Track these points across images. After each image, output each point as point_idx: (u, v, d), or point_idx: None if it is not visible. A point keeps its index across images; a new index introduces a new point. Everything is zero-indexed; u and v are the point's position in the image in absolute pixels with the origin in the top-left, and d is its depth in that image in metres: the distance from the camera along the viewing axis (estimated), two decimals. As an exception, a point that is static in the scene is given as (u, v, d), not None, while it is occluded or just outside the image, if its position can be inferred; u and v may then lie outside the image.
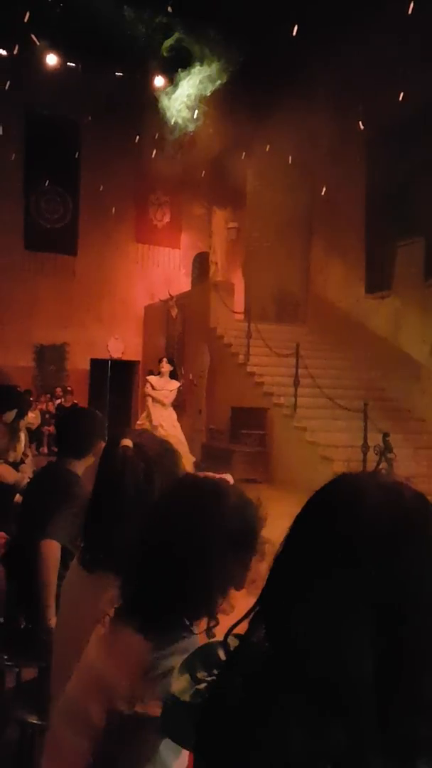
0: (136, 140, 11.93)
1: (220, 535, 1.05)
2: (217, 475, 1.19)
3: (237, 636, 0.72)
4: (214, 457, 9.58)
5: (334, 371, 10.44)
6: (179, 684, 0.75)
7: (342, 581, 0.61)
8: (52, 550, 2.17)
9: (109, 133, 12.44)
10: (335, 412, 9.08)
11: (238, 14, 9.01)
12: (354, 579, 0.61)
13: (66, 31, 9.89)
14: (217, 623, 1.07)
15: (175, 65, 10.41)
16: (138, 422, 8.32)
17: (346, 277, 11.76)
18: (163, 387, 8.03)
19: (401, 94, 9.25)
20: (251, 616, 0.70)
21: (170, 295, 13.50)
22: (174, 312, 13.13)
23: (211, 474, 1.20)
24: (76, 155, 13.67)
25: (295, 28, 8.71)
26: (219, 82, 10.16)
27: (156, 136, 11.66)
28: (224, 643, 0.73)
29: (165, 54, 9.41)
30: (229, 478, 1.20)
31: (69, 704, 1.07)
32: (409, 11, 8.07)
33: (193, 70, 10.23)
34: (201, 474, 1.19)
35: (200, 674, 0.73)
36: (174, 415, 8.06)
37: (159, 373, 8.29)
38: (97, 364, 14.22)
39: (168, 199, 14.99)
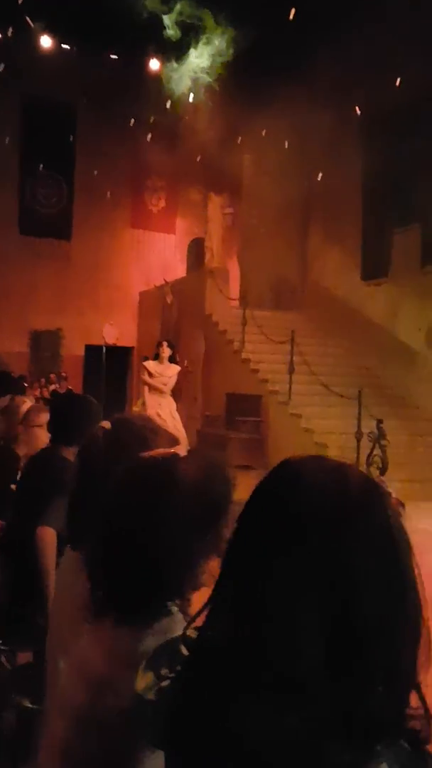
0: (131, 124, 11.80)
1: (178, 511, 1.02)
2: (166, 451, 1.17)
3: (196, 629, 0.71)
4: (210, 443, 9.60)
5: (329, 358, 10.45)
6: (143, 682, 0.74)
7: (290, 566, 0.60)
8: (48, 536, 2.18)
9: (104, 117, 12.31)
10: (330, 399, 9.10)
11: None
12: (302, 563, 0.60)
13: (61, 13, 9.74)
14: (189, 602, 1.05)
15: (174, 45, 10.28)
16: (134, 409, 8.04)
17: (343, 264, 11.74)
18: (161, 373, 7.39)
19: (398, 81, 9.17)
20: (206, 607, 0.69)
21: (165, 281, 13.44)
22: (169, 298, 13.08)
23: (160, 451, 1.19)
24: (71, 139, 13.53)
25: (292, 12, 8.59)
26: (219, 61, 10.02)
27: (152, 120, 11.55)
28: (185, 637, 0.72)
29: (171, 29, 9.23)
30: (181, 450, 1.18)
31: (61, 697, 1.06)
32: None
33: (194, 50, 10.09)
34: (148, 453, 1.17)
35: (163, 671, 0.72)
36: (173, 404, 7.45)
37: (157, 357, 7.62)
38: (92, 350, 14.19)
39: (164, 184, 14.88)
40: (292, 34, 9.17)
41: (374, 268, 10.92)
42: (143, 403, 7.53)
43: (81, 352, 14.44)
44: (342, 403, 8.78)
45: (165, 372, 7.35)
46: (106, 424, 1.50)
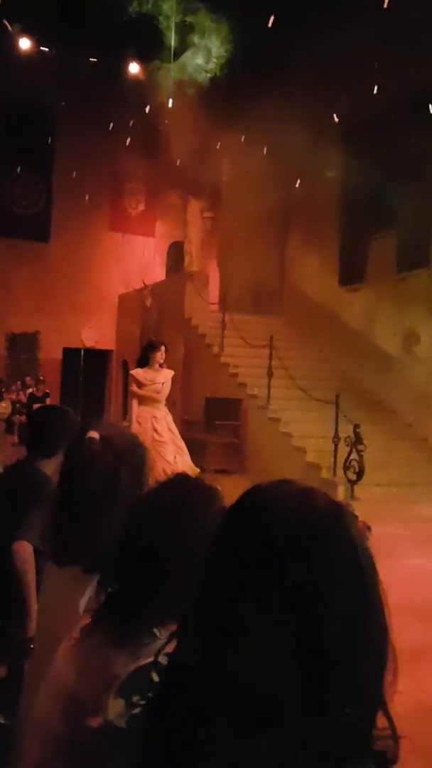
0: (110, 127, 11.78)
1: (201, 538, 1.01)
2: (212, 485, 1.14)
3: (167, 655, 0.70)
4: (189, 447, 9.60)
5: (307, 363, 10.54)
6: (114, 709, 0.72)
7: (258, 591, 0.61)
8: (25, 551, 2.17)
9: (83, 120, 12.26)
10: (308, 404, 9.18)
11: (217, 5, 8.95)
12: (269, 588, 0.60)
13: (39, 16, 9.69)
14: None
15: (154, 50, 10.29)
16: (124, 425, 6.38)
17: (321, 269, 11.86)
18: (153, 380, 6.20)
19: (375, 89, 9.31)
20: (176, 634, 0.68)
21: (145, 284, 13.42)
22: (148, 301, 13.06)
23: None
24: (50, 141, 13.45)
25: (271, 20, 8.68)
26: (200, 66, 10.06)
27: (131, 124, 11.54)
28: (157, 664, 0.70)
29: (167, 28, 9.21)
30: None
31: (38, 719, 1.03)
32: (385, 4, 8.10)
33: (174, 55, 10.11)
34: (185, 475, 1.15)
35: (135, 698, 0.71)
36: (169, 415, 6.27)
37: (145, 363, 6.31)
38: (70, 353, 14.09)
39: (143, 188, 14.87)
40: (272, 41, 9.25)
41: (352, 274, 11.06)
42: (129, 420, 6.27)
43: (59, 355, 14.33)
44: (320, 407, 8.87)
45: (156, 378, 6.22)
46: (95, 435, 1.46)
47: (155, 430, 5.93)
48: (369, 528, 0.70)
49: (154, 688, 0.68)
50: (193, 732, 0.60)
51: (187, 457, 6.07)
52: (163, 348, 6.37)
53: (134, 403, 6.17)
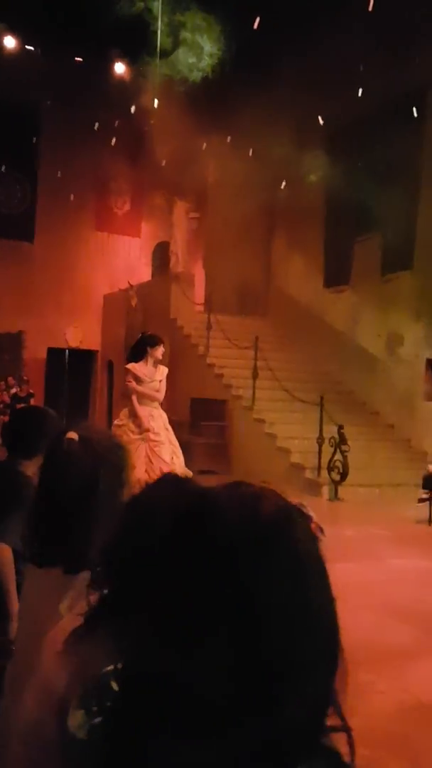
0: (96, 127, 11.74)
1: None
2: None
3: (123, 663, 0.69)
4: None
5: (292, 364, 10.60)
6: (75, 720, 0.71)
7: (201, 599, 0.60)
8: (4, 554, 2.16)
9: (69, 120, 12.22)
10: (293, 405, 9.24)
11: (203, 7, 8.98)
12: (213, 596, 0.60)
13: (25, 14, 9.64)
14: None
15: (140, 50, 10.28)
16: (116, 424, 5.92)
17: (306, 271, 11.93)
18: (151, 376, 5.79)
19: (360, 93, 9.39)
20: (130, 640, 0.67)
21: (130, 284, 13.39)
22: (134, 302, 13.03)
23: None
24: (35, 141, 13.37)
25: (257, 22, 8.71)
26: (186, 68, 10.07)
27: (117, 124, 11.51)
28: (117, 671, 0.69)
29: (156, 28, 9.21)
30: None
31: (28, 723, 1.02)
32: (370, 8, 8.17)
33: (161, 55, 10.11)
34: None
35: (94, 708, 0.69)
36: (165, 416, 5.91)
37: (140, 358, 5.85)
38: (55, 353, 14.02)
39: (128, 188, 14.83)
40: (258, 44, 9.30)
41: (336, 276, 11.14)
42: (132, 416, 5.77)
43: (43, 355, 14.25)
44: (304, 408, 8.93)
45: (154, 375, 5.81)
46: (73, 435, 1.46)
47: (151, 430, 5.66)
48: (322, 530, 0.70)
49: (113, 697, 0.67)
50: (142, 745, 0.59)
51: (182, 458, 5.82)
52: (161, 345, 5.92)
53: (134, 399, 5.73)
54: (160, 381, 5.79)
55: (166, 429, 5.76)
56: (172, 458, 5.61)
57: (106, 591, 1.01)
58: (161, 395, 5.82)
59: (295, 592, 0.61)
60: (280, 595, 0.60)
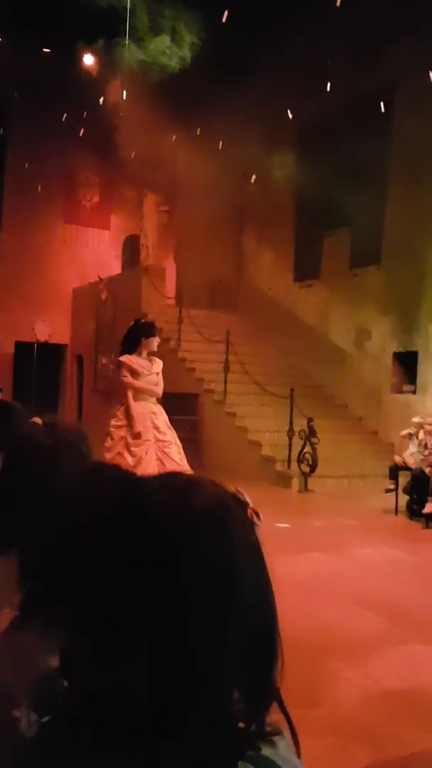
0: (64, 119, 11.58)
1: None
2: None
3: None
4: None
5: (263, 358, 10.67)
6: (25, 718, 0.71)
7: (128, 591, 0.60)
8: None
9: (37, 111, 12.01)
10: (263, 398, 9.31)
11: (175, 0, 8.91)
12: (140, 588, 0.59)
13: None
14: None
15: (110, 41, 10.15)
16: (114, 424, 5.19)
17: (276, 265, 11.99)
18: (149, 369, 5.22)
19: (328, 89, 9.45)
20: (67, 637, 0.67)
21: (100, 277, 13.27)
22: (104, 295, 12.93)
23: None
24: (2, 132, 13.12)
25: (225, 15, 8.68)
26: (156, 59, 9.99)
27: (85, 115, 11.37)
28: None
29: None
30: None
31: None
32: (337, 3, 8.21)
33: (130, 47, 10.00)
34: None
35: (45, 706, 0.68)
36: (165, 415, 5.34)
37: (135, 349, 5.23)
38: (23, 347, 13.83)
39: (98, 180, 14.67)
40: (228, 38, 9.27)
41: (306, 271, 11.23)
42: (128, 417, 5.14)
43: (10, 349, 14.04)
44: (275, 401, 9.01)
45: (152, 368, 5.24)
46: (38, 420, 1.44)
47: (156, 428, 5.13)
48: (258, 515, 0.70)
49: (63, 694, 0.67)
50: (81, 741, 0.59)
51: (184, 458, 5.33)
52: (158, 335, 5.35)
53: (130, 396, 5.16)
54: (158, 374, 5.26)
55: (169, 428, 5.28)
56: (180, 458, 5.19)
57: (35, 581, 0.96)
58: (160, 389, 5.29)
59: (228, 580, 0.61)
60: (212, 584, 0.60)
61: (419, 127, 8.36)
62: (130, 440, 5.04)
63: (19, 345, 13.95)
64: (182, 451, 5.30)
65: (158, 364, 5.29)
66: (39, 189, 13.29)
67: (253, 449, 8.88)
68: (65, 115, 11.54)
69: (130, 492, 0.68)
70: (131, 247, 14.48)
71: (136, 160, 11.44)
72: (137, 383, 5.17)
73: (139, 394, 5.19)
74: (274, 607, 0.65)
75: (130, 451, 5.08)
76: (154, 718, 0.58)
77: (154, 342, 5.29)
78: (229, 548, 0.62)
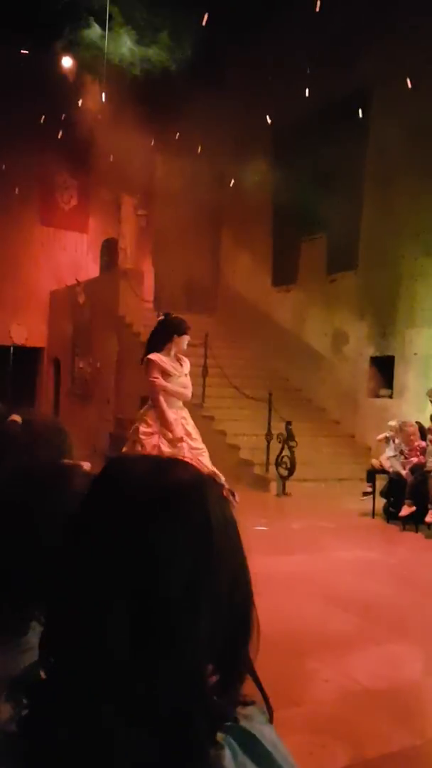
0: (42, 120, 11.51)
1: (58, 521, 0.95)
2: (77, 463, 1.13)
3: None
4: (123, 447, 9.54)
5: (240, 361, 10.69)
6: (3, 715, 0.70)
7: (108, 561, 0.61)
8: None
9: (13, 112, 11.90)
10: (241, 402, 9.33)
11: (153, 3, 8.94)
12: (109, 560, 0.60)
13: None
14: None
15: (88, 44, 10.13)
16: (144, 431, 4.74)
17: (254, 269, 12.05)
18: (179, 371, 4.81)
19: (306, 93, 9.54)
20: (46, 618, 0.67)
21: (77, 280, 13.18)
22: (81, 298, 12.84)
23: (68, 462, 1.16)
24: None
25: (206, 18, 8.73)
26: (134, 62, 10.00)
27: (63, 117, 11.31)
28: (42, 661, 0.69)
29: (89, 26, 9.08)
30: (86, 465, 1.16)
31: None
32: (317, 8, 8.31)
33: (108, 49, 9.99)
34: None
35: (24, 700, 0.68)
36: (190, 418, 4.96)
37: (163, 348, 4.78)
38: (-1, 351, 13.67)
39: (75, 183, 14.59)
40: (206, 44, 9.32)
41: (284, 275, 11.30)
42: (164, 421, 4.71)
43: (-14, 352, 13.87)
44: (252, 405, 9.03)
45: (181, 369, 4.83)
46: (17, 418, 1.45)
47: (189, 434, 4.79)
48: (234, 494, 0.72)
49: (41, 686, 0.67)
50: (68, 726, 0.59)
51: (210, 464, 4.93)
52: (185, 335, 4.81)
53: (162, 399, 4.67)
54: (186, 375, 4.83)
55: (197, 432, 4.97)
56: (212, 465, 4.69)
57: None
58: (190, 392, 4.88)
59: (205, 547, 0.62)
60: (189, 550, 0.61)
61: (395, 132, 8.49)
62: (164, 449, 4.58)
63: (-6, 348, 13.79)
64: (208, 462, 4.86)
65: (187, 365, 4.89)
66: (16, 191, 13.17)
67: (231, 453, 8.89)
68: (42, 117, 11.47)
69: (111, 464, 0.69)
70: (109, 251, 14.42)
71: (114, 164, 11.42)
72: (169, 386, 4.72)
73: (168, 397, 4.72)
74: (250, 581, 0.66)
75: None
76: (131, 679, 0.58)
77: (185, 340, 4.82)
78: (206, 517, 0.63)
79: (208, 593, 0.61)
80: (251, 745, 0.62)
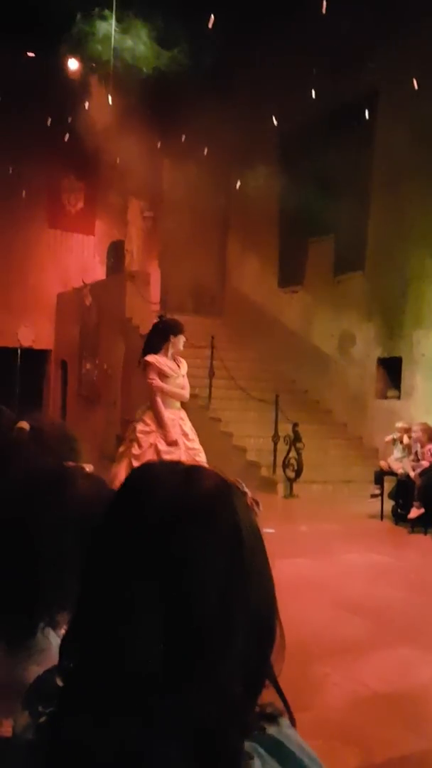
0: (48, 123, 11.56)
1: (62, 525, 0.96)
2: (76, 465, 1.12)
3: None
4: (120, 447, 9.54)
5: (247, 363, 10.68)
6: (21, 722, 0.70)
7: (135, 572, 0.60)
8: None
9: (21, 116, 11.96)
10: (248, 404, 9.31)
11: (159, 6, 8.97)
12: (145, 568, 0.60)
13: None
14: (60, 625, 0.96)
15: (94, 47, 10.17)
16: (142, 430, 4.74)
17: (261, 271, 12.03)
18: (176, 371, 4.82)
19: (313, 95, 9.53)
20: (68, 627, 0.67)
21: (84, 283, 13.22)
22: (88, 301, 12.87)
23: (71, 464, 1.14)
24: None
25: (211, 20, 8.73)
26: (141, 65, 10.03)
27: (69, 120, 11.35)
28: (60, 667, 0.68)
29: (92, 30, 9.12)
30: (88, 467, 1.15)
31: None
32: (323, 10, 8.30)
33: (115, 52, 10.02)
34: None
35: (40, 708, 0.68)
36: (187, 419, 4.99)
37: (160, 348, 4.81)
38: (6, 353, 13.71)
39: (82, 185, 14.64)
40: (213, 44, 9.33)
41: (290, 276, 11.28)
42: (158, 422, 4.72)
43: (-6, 354, 13.92)
44: (259, 407, 9.02)
45: (179, 370, 4.84)
46: (24, 425, 1.43)
47: (185, 435, 4.80)
48: (258, 503, 0.72)
49: (58, 693, 0.66)
50: (87, 732, 0.58)
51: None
52: (181, 335, 4.85)
53: (159, 400, 4.71)
54: (184, 376, 4.84)
55: (195, 434, 4.97)
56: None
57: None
58: (188, 393, 4.90)
59: (233, 561, 0.62)
60: (219, 563, 0.61)
61: (401, 135, 8.46)
62: (161, 448, 4.65)
63: (2, 350, 13.84)
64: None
65: (184, 366, 4.90)
66: (23, 194, 13.23)
67: (237, 455, 8.87)
68: (49, 120, 11.52)
69: (136, 474, 0.69)
70: (116, 253, 14.45)
71: (121, 166, 11.45)
72: (167, 387, 4.75)
73: (165, 398, 4.76)
74: (274, 587, 0.66)
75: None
76: (162, 695, 0.58)
77: (182, 340, 4.87)
78: (236, 527, 0.63)
79: (239, 605, 0.61)
80: (279, 751, 0.62)
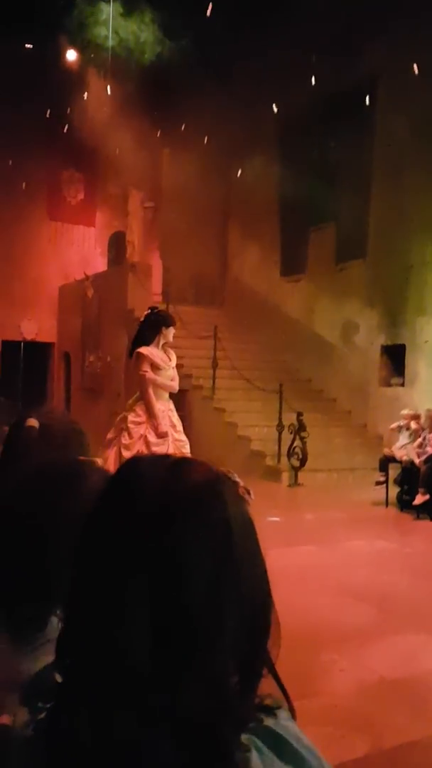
0: (48, 115, 11.50)
1: (74, 518, 0.94)
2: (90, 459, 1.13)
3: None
4: (108, 433, 9.56)
5: (250, 353, 10.67)
6: (20, 718, 0.70)
7: (125, 564, 0.60)
8: None
9: (20, 107, 11.89)
10: (252, 393, 9.32)
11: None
12: (135, 559, 0.60)
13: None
14: None
15: (93, 38, 10.10)
16: (133, 420, 4.78)
17: (262, 260, 11.99)
18: (167, 363, 4.86)
19: (312, 83, 9.45)
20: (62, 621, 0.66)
21: (86, 275, 13.19)
22: (90, 292, 12.85)
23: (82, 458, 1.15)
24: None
25: (210, 8, 8.65)
26: (140, 55, 9.95)
27: (69, 111, 11.28)
28: (58, 663, 0.67)
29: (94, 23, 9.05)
30: (98, 461, 1.15)
31: None
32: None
33: (114, 43, 9.94)
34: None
35: (39, 703, 0.67)
36: (175, 411, 5.03)
37: (152, 341, 4.83)
38: (9, 346, 13.73)
39: (82, 177, 14.57)
40: (212, 33, 9.24)
41: (292, 265, 11.24)
42: (151, 413, 4.75)
43: (-3, 347, 13.94)
44: (263, 396, 9.02)
45: (169, 362, 4.88)
46: (34, 423, 1.43)
47: (173, 426, 4.85)
48: (249, 492, 0.71)
49: (57, 689, 0.66)
50: (79, 723, 0.58)
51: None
52: (171, 327, 4.87)
53: (151, 392, 4.74)
54: (173, 368, 4.88)
55: (181, 425, 5.03)
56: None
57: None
58: (177, 384, 4.94)
59: (223, 551, 0.61)
60: (207, 556, 0.60)
61: (402, 122, 8.39)
62: (150, 439, 4.72)
63: (5, 344, 13.86)
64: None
65: (174, 357, 4.95)
66: (23, 186, 13.18)
67: (242, 444, 8.89)
68: (48, 111, 11.46)
69: (124, 467, 0.68)
70: (117, 244, 14.41)
71: (121, 157, 11.38)
72: (159, 379, 4.78)
73: (156, 390, 4.79)
74: (267, 578, 0.66)
75: (151, 452, 4.84)
76: (154, 689, 0.58)
77: (172, 332, 4.90)
78: (225, 518, 0.63)
79: (230, 597, 0.61)
80: (277, 743, 0.61)
